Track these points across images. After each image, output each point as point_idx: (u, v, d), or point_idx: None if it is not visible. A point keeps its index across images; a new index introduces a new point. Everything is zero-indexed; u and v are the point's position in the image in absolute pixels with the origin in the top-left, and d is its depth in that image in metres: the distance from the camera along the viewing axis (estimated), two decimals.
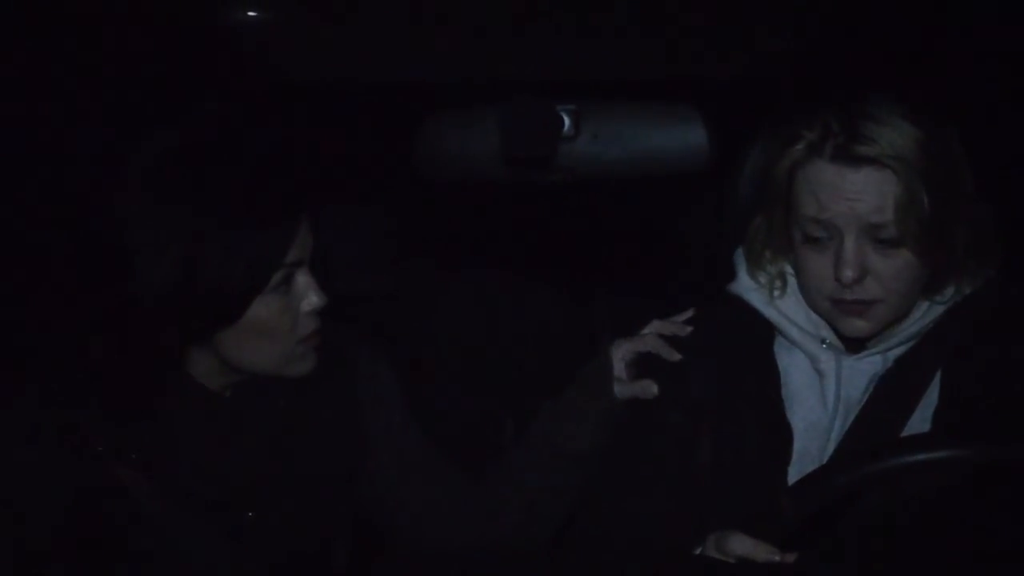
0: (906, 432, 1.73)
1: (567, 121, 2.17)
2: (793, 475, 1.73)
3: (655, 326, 1.90)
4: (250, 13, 2.32)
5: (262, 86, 2.43)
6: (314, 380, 1.79)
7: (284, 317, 1.69)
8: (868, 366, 1.77)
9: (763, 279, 1.83)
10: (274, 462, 1.77)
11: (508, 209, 2.62)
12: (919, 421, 1.74)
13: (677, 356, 1.84)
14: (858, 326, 1.74)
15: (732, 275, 1.87)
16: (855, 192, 1.67)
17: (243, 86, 2.43)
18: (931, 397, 1.76)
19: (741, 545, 1.59)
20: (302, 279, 1.69)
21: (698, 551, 1.66)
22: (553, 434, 1.89)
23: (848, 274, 1.68)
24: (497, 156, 2.19)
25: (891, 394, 1.76)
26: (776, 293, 1.83)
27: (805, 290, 1.78)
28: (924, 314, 1.77)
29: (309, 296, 1.70)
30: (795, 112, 1.74)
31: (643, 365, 1.88)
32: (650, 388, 1.84)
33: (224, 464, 1.74)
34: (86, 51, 2.21)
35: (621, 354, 1.87)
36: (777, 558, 1.56)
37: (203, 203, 1.61)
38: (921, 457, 1.52)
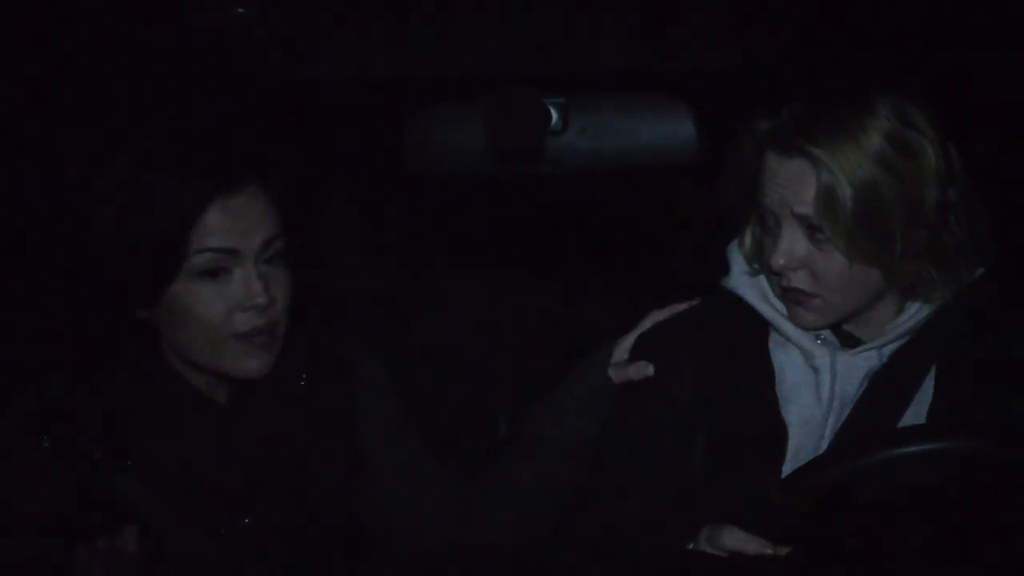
0: (899, 427, 1.73)
1: (555, 115, 2.17)
2: (787, 471, 1.73)
3: (653, 316, 1.91)
4: (238, 9, 2.30)
5: (249, 83, 2.42)
6: (312, 385, 1.78)
7: (212, 307, 1.67)
8: (863, 362, 1.77)
9: (757, 266, 1.83)
10: (271, 467, 1.76)
11: (498, 205, 2.61)
12: (913, 417, 1.74)
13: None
14: (803, 316, 1.75)
15: (725, 270, 1.87)
16: (785, 181, 1.70)
17: (230, 83, 2.42)
18: (926, 393, 1.76)
19: (733, 539, 1.59)
20: (240, 273, 1.68)
21: (691, 545, 1.66)
22: (546, 425, 1.89)
23: (777, 261, 1.72)
24: (485, 150, 2.19)
25: (885, 390, 1.76)
26: (767, 284, 1.83)
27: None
28: (918, 311, 1.77)
29: (244, 290, 1.68)
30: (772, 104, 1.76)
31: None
32: (646, 369, 1.85)
33: (220, 471, 1.73)
34: (74, 48, 2.20)
35: (621, 343, 1.90)
36: (769, 551, 1.56)
37: (128, 162, 1.65)
38: (913, 450, 1.52)
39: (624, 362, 1.88)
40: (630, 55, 2.43)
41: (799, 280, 1.73)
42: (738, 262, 1.85)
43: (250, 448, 1.75)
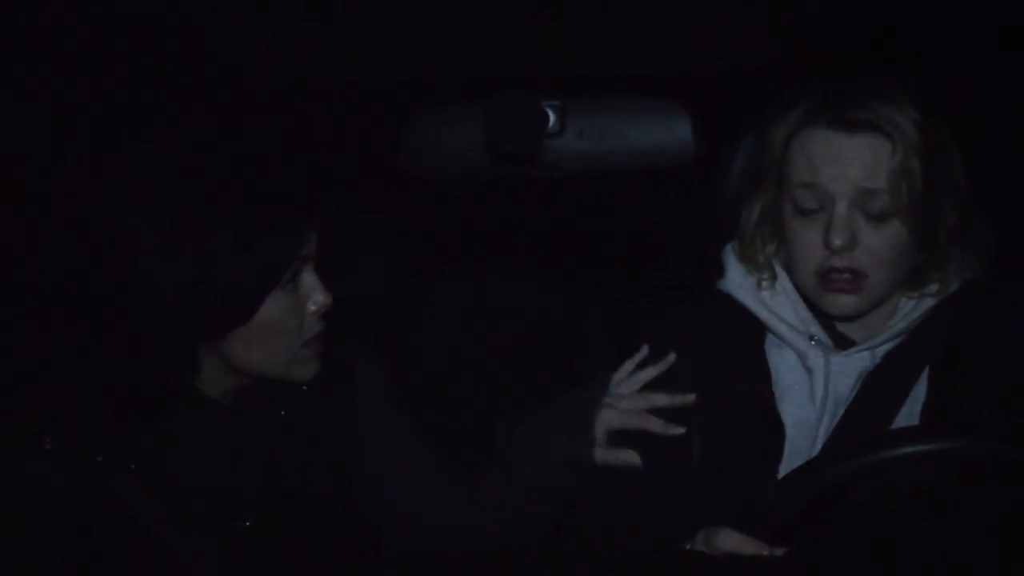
0: (894, 428, 1.73)
1: (552, 117, 2.17)
2: (782, 472, 1.74)
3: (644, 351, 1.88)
4: (234, 12, 2.31)
5: (247, 85, 2.43)
6: (312, 387, 1.78)
7: (291, 317, 1.67)
8: (856, 362, 1.77)
9: (753, 270, 1.83)
10: (272, 470, 1.76)
11: (495, 208, 2.61)
12: (907, 417, 1.75)
13: (674, 430, 1.81)
14: (845, 303, 1.74)
15: (722, 272, 1.87)
16: (849, 156, 1.69)
17: (229, 85, 2.42)
18: (919, 393, 1.76)
19: (729, 541, 1.60)
20: (309, 278, 1.68)
21: (688, 547, 1.66)
22: (526, 465, 1.86)
23: (837, 241, 1.70)
24: (482, 153, 2.19)
25: (879, 390, 1.76)
26: (764, 284, 1.83)
27: (793, 266, 1.79)
28: (912, 310, 1.78)
29: (315, 296, 1.68)
30: (788, 91, 1.76)
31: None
32: (632, 459, 1.82)
33: (222, 473, 1.73)
34: (76, 53, 2.20)
35: (606, 423, 1.83)
36: (765, 552, 1.56)
37: (216, 200, 1.59)
38: (908, 450, 1.53)
39: (608, 448, 1.83)
40: (628, 58, 2.44)
41: (854, 259, 1.72)
42: (733, 264, 1.86)
43: (252, 450, 1.75)
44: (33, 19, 2.12)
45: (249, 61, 2.39)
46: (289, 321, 1.67)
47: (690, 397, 1.81)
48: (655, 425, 1.81)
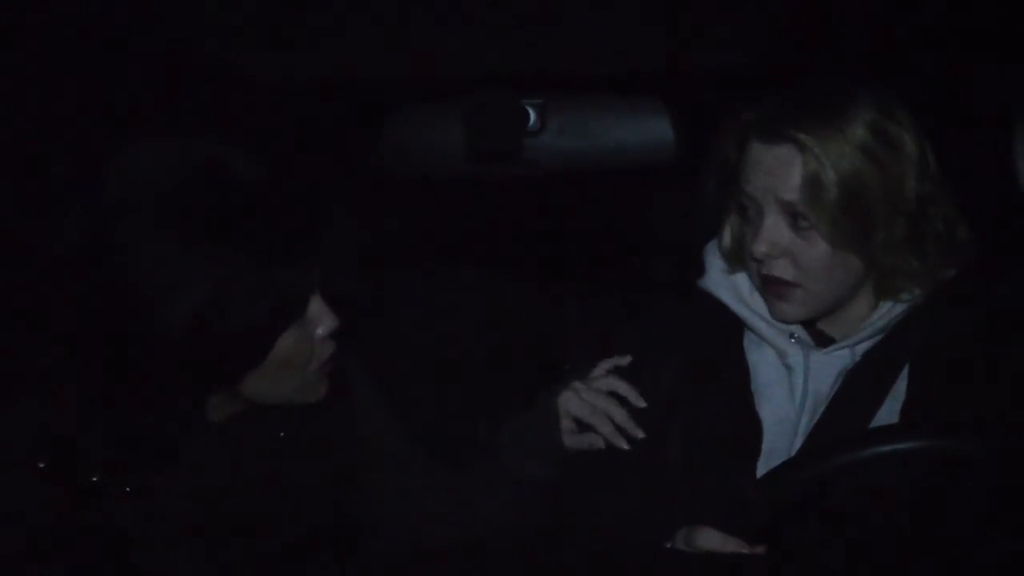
0: (873, 426, 1.74)
1: (532, 115, 2.18)
2: (761, 469, 1.74)
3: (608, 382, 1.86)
4: (211, 14, 2.30)
5: (226, 87, 2.42)
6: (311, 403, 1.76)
7: (303, 347, 1.64)
8: (836, 360, 1.78)
9: (733, 268, 1.84)
10: (268, 489, 1.74)
11: (475, 207, 2.61)
12: (887, 415, 1.75)
13: (633, 429, 1.80)
14: (783, 309, 1.76)
15: (702, 270, 1.87)
16: (770, 167, 1.71)
17: (209, 88, 2.41)
18: (899, 391, 1.76)
19: (709, 540, 1.60)
20: (316, 305, 1.64)
21: (668, 545, 1.66)
22: (505, 465, 1.87)
23: (758, 248, 1.72)
24: (463, 151, 2.19)
25: (859, 388, 1.76)
26: (747, 286, 1.83)
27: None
28: (891, 308, 1.78)
29: (323, 321, 1.65)
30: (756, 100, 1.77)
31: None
32: (596, 443, 1.82)
33: (219, 494, 1.70)
34: (55, 61, 2.18)
35: (566, 407, 1.83)
36: (746, 551, 1.56)
37: (229, 243, 1.52)
38: (887, 449, 1.53)
39: (575, 432, 1.83)
40: (608, 56, 2.44)
41: (780, 269, 1.73)
42: (714, 263, 1.86)
43: (251, 470, 1.73)
44: (23, 26, 2.11)
45: (226, 63, 2.38)
46: (301, 351, 1.64)
47: (642, 402, 1.81)
48: (618, 414, 1.81)
